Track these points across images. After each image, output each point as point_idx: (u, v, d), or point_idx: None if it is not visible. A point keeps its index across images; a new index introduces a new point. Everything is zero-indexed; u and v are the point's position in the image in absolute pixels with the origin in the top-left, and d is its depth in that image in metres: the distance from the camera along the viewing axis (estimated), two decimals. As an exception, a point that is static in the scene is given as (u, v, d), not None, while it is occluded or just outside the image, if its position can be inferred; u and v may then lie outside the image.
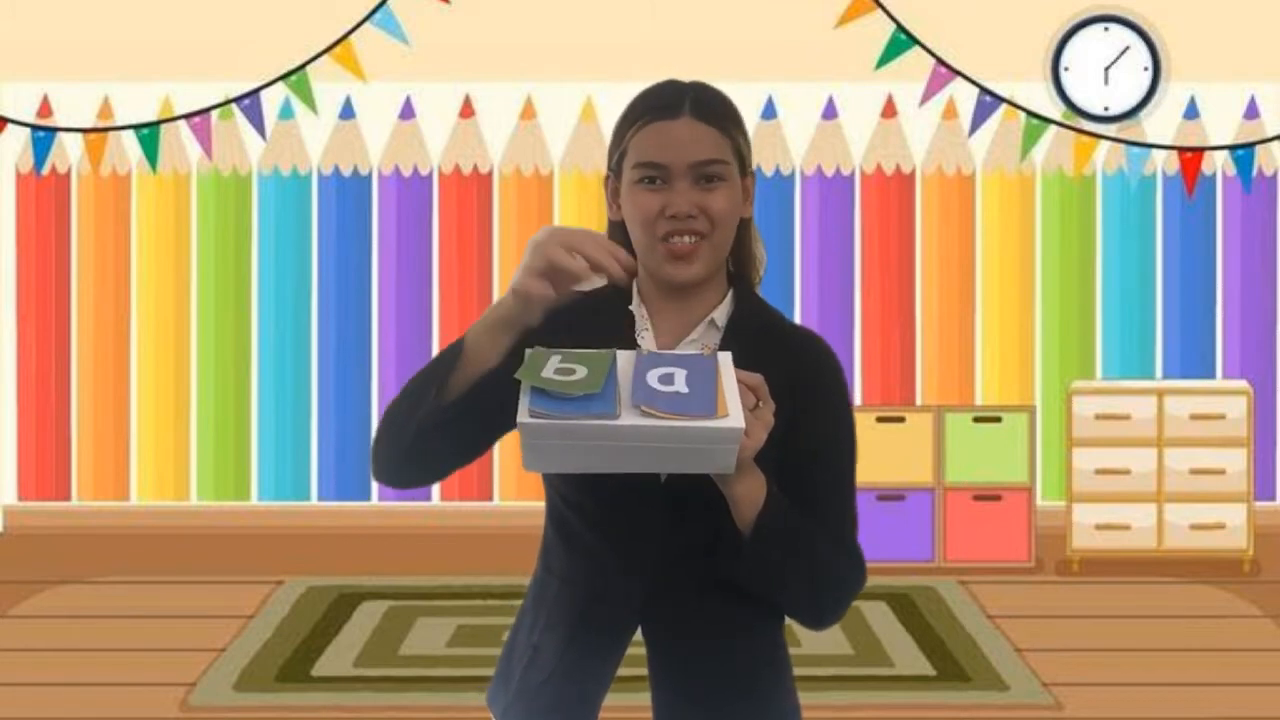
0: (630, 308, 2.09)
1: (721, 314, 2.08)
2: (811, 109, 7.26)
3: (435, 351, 2.06)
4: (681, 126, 2.01)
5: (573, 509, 2.08)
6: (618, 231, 2.11)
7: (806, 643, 5.28)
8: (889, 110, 7.28)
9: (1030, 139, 6.48)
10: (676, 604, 2.03)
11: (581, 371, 1.85)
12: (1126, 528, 6.48)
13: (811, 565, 1.98)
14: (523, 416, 1.83)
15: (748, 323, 2.07)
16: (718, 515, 1.97)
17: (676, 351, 1.92)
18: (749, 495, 1.93)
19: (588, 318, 2.02)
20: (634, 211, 2.03)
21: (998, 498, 6.57)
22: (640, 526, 2.02)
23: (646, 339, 2.08)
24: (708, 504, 1.97)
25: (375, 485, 7.39)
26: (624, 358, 1.90)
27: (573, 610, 2.06)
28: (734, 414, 1.84)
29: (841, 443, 2.06)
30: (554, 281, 1.90)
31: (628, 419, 1.83)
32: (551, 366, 1.86)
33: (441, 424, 1.96)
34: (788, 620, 2.10)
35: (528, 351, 1.89)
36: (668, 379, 1.87)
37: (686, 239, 2.01)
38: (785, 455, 1.97)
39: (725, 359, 1.90)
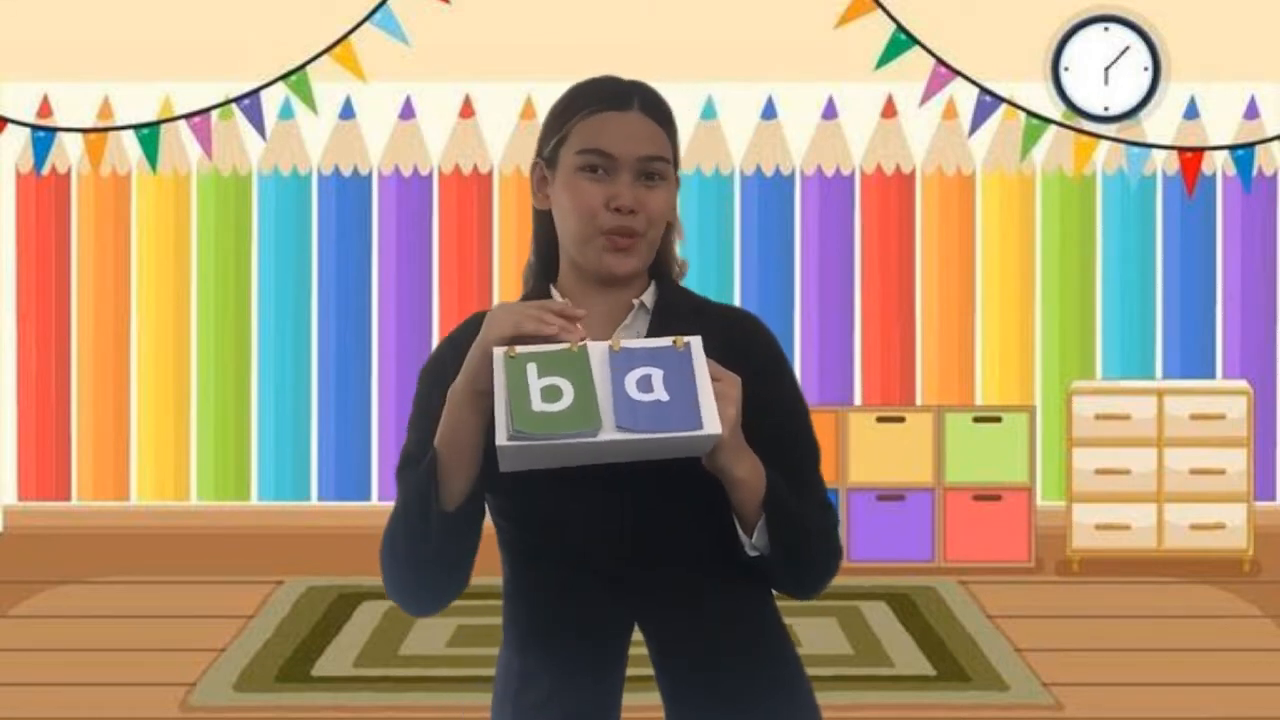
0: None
1: (649, 298, 2.05)
2: (811, 109, 7.25)
3: (434, 349, 2.03)
4: (632, 119, 2.00)
5: (514, 521, 2.03)
6: (543, 220, 2.08)
7: (806, 642, 5.28)
8: (889, 110, 7.28)
9: (1030, 139, 6.48)
10: (656, 591, 1.98)
11: (567, 395, 1.82)
12: (1126, 528, 6.48)
13: (811, 535, 1.98)
14: (502, 440, 1.81)
15: (678, 304, 2.05)
16: (675, 486, 1.95)
17: (647, 344, 1.87)
18: (750, 478, 1.91)
19: None
20: (573, 200, 1.99)
21: (998, 498, 6.57)
22: (589, 514, 1.97)
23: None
24: (658, 475, 1.94)
25: (375, 485, 7.39)
26: (596, 356, 1.86)
27: (546, 626, 2.02)
28: (710, 418, 1.83)
29: (798, 410, 2.05)
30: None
31: (607, 435, 1.82)
32: (535, 386, 1.83)
33: (456, 533, 1.96)
34: (788, 623, 2.08)
35: (497, 354, 1.85)
36: (646, 384, 1.84)
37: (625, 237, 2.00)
38: (749, 432, 1.93)
39: (696, 348, 1.87)
